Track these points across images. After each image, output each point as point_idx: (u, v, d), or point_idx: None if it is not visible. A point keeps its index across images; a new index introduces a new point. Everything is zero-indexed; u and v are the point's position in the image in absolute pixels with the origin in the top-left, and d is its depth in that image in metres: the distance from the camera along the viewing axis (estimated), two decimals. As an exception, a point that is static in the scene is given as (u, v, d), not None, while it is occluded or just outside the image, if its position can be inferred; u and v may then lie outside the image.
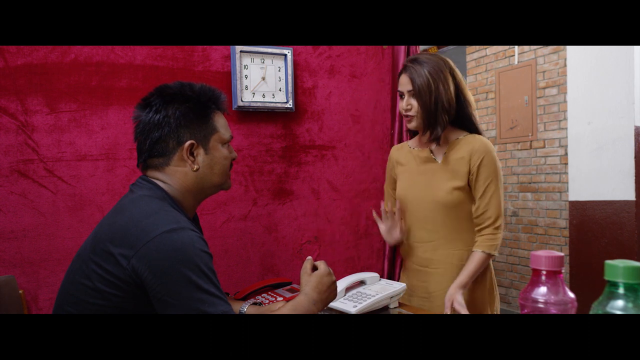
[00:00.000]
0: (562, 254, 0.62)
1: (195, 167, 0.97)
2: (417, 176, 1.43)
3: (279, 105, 1.70)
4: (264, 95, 1.69)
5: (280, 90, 1.72)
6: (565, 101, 3.43)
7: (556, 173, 3.54)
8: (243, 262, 1.70)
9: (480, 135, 1.39)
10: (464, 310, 1.27)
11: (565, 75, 3.18)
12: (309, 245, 1.83)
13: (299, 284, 1.07)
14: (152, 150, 0.96)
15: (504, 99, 3.89)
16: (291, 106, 1.72)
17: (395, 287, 1.31)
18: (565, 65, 3.41)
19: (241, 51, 1.63)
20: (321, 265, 1.03)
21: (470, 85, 4.20)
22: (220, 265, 1.65)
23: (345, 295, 1.28)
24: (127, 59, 1.52)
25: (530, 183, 3.74)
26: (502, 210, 1.36)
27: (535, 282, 0.63)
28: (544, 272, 0.62)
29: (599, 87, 1.91)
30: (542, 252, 0.63)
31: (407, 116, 1.38)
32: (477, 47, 4.13)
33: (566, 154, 3.36)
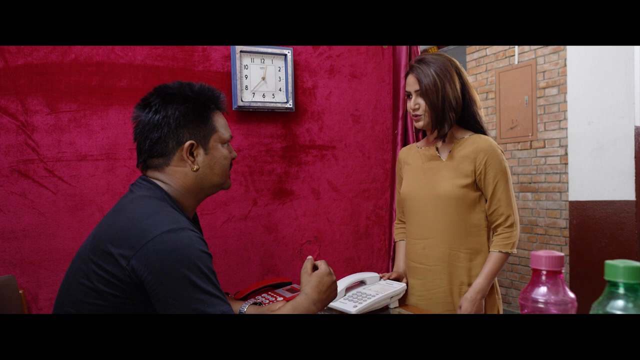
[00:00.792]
0: (562, 254, 0.62)
1: (195, 167, 0.97)
2: (421, 173, 1.45)
3: (279, 105, 1.70)
4: (264, 95, 1.69)
5: (280, 90, 1.72)
6: (565, 101, 3.43)
7: (556, 173, 3.54)
8: (243, 262, 1.70)
9: (485, 135, 1.40)
10: None
11: (566, 75, 3.18)
12: (309, 245, 1.83)
13: (299, 283, 1.07)
14: (151, 150, 0.96)
15: (504, 99, 3.89)
16: (291, 106, 1.72)
17: (395, 287, 1.31)
18: (565, 65, 3.41)
19: (241, 51, 1.63)
20: (321, 265, 1.03)
21: (471, 85, 4.20)
22: (220, 265, 1.65)
23: (345, 295, 1.28)
24: (128, 59, 1.52)
25: (530, 183, 3.74)
26: (514, 207, 1.37)
27: (535, 282, 0.63)
28: (544, 272, 0.62)
29: (599, 87, 1.91)
30: (542, 252, 0.63)
31: (415, 116, 1.40)
32: (477, 47, 4.13)
33: (566, 154, 3.36)
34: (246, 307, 1.20)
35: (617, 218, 1.86)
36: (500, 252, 1.35)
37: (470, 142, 1.38)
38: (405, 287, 1.33)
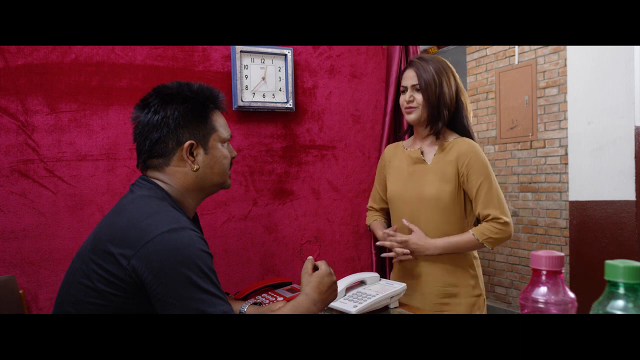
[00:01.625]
0: (562, 254, 0.62)
1: (195, 167, 0.97)
2: (406, 176, 1.46)
3: (279, 105, 1.70)
4: (264, 95, 1.69)
5: (280, 90, 1.72)
6: (565, 101, 3.43)
7: (556, 173, 3.54)
8: (243, 262, 1.70)
9: (468, 138, 1.41)
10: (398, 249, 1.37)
11: (566, 75, 3.18)
12: (309, 245, 1.83)
13: (299, 283, 1.07)
14: (151, 150, 0.96)
15: (504, 99, 3.89)
16: (291, 106, 1.72)
17: (395, 287, 1.31)
18: (565, 65, 3.41)
19: (241, 51, 1.63)
20: (322, 265, 1.03)
21: (471, 85, 4.20)
22: (221, 265, 1.65)
23: (345, 295, 1.28)
24: (128, 59, 1.52)
25: (530, 183, 3.74)
26: (503, 207, 1.35)
27: (535, 282, 0.63)
28: (544, 272, 0.62)
29: (599, 87, 1.91)
30: (542, 252, 0.63)
31: (408, 108, 1.40)
32: (477, 47, 4.13)
33: (566, 154, 3.36)
34: (246, 307, 1.20)
35: (617, 218, 1.86)
36: (473, 235, 1.34)
37: (453, 145, 1.39)
38: (405, 287, 1.34)
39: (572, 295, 0.62)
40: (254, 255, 1.72)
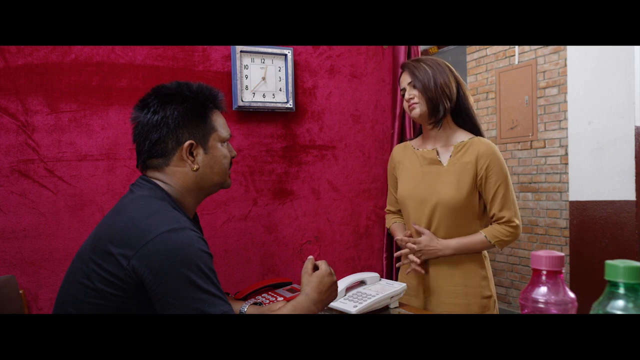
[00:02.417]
0: (562, 254, 0.62)
1: (195, 166, 0.97)
2: (420, 177, 1.44)
3: (279, 105, 1.70)
4: (264, 95, 1.69)
5: (280, 90, 1.72)
6: (565, 101, 3.43)
7: (556, 173, 3.54)
8: (243, 262, 1.70)
9: (484, 139, 1.41)
10: (412, 258, 1.38)
11: (566, 75, 3.18)
12: (309, 245, 1.83)
13: (299, 283, 1.07)
14: (151, 151, 0.96)
15: (505, 99, 3.89)
16: (291, 106, 1.72)
17: (395, 287, 1.31)
18: (565, 65, 3.41)
19: (241, 51, 1.63)
20: (322, 265, 1.03)
21: (471, 85, 4.20)
22: (221, 265, 1.65)
23: (345, 295, 1.28)
24: (128, 59, 1.52)
25: (530, 183, 3.74)
26: (516, 210, 1.37)
27: (535, 282, 0.63)
28: (545, 272, 0.62)
29: (600, 87, 1.91)
30: (542, 252, 0.63)
31: (411, 105, 1.40)
32: (478, 47, 4.13)
33: (566, 154, 3.36)
34: (246, 307, 1.20)
35: (617, 218, 1.86)
36: (485, 237, 1.35)
37: (470, 146, 1.38)
38: (405, 287, 1.33)
39: (572, 295, 0.62)
40: (254, 255, 1.72)
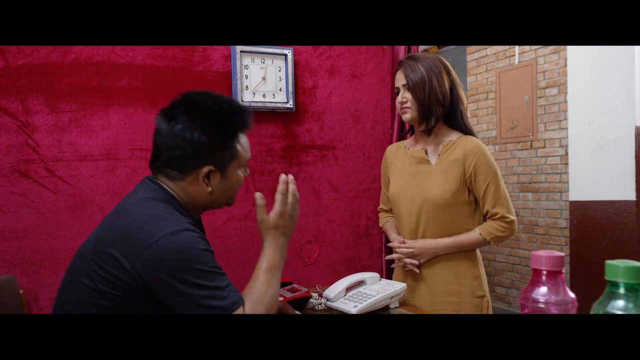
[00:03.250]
0: (562, 254, 0.62)
1: (210, 189, 0.96)
2: (409, 176, 1.45)
3: (280, 105, 1.70)
4: (264, 95, 1.69)
5: (280, 90, 1.72)
6: (565, 101, 3.43)
7: (557, 173, 3.54)
8: (243, 262, 1.70)
9: (472, 137, 1.40)
10: (408, 261, 1.39)
11: (566, 75, 3.18)
12: (309, 245, 1.83)
13: (299, 283, 1.07)
14: (168, 162, 0.94)
15: (505, 99, 3.89)
16: (291, 106, 1.72)
17: (395, 287, 1.31)
18: (565, 65, 3.41)
19: (241, 51, 1.63)
20: (272, 213, 1.02)
21: (471, 85, 4.20)
22: (221, 265, 1.64)
23: (345, 295, 1.28)
24: (128, 59, 1.52)
25: (530, 183, 3.74)
26: (509, 206, 1.37)
27: (535, 282, 0.63)
28: (545, 272, 0.62)
29: (600, 87, 1.91)
30: (542, 252, 0.63)
31: (402, 108, 1.40)
32: (478, 47, 4.13)
33: (567, 154, 3.36)
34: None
35: (617, 218, 1.86)
36: (480, 234, 1.36)
37: (458, 145, 1.38)
38: (406, 287, 1.33)
39: (572, 295, 0.62)
40: (254, 255, 1.72)
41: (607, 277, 0.56)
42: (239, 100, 1.63)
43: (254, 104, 1.66)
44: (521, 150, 3.80)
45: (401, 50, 1.89)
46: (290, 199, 1.03)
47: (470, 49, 4.22)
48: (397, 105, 1.43)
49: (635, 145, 1.81)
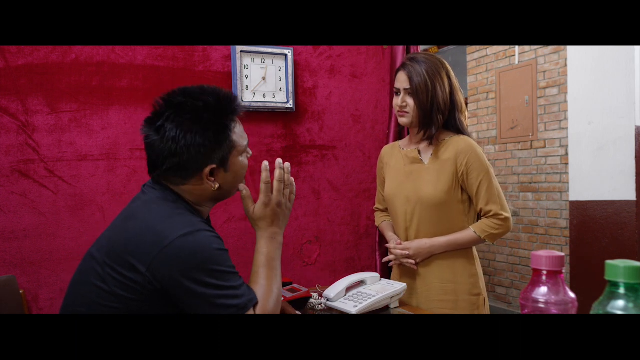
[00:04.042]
0: (562, 254, 0.62)
1: (216, 185, 0.95)
2: (403, 176, 1.45)
3: (280, 105, 1.70)
4: (264, 95, 1.69)
5: (280, 90, 1.72)
6: (565, 101, 3.43)
7: (557, 173, 3.54)
8: (243, 262, 1.70)
9: (464, 136, 1.40)
10: (405, 261, 1.40)
11: (566, 75, 3.18)
12: (310, 245, 1.83)
13: (299, 284, 1.07)
14: (168, 171, 0.92)
15: (505, 99, 3.89)
16: (292, 106, 1.72)
17: (395, 287, 1.31)
18: (565, 65, 3.40)
19: (242, 51, 1.63)
20: (258, 203, 1.01)
21: (471, 85, 4.20)
22: (221, 265, 1.65)
23: (345, 295, 1.28)
24: (128, 59, 1.52)
25: (530, 183, 3.73)
26: (503, 203, 1.36)
27: (536, 282, 0.63)
28: (545, 272, 0.62)
29: (600, 87, 1.91)
30: (542, 252, 0.63)
31: (401, 112, 1.39)
32: (478, 47, 4.13)
33: (567, 154, 3.36)
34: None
35: (617, 218, 1.86)
36: (475, 232, 1.36)
37: (450, 144, 1.38)
38: (406, 286, 1.33)
39: (572, 295, 0.62)
40: (254, 255, 1.72)
41: (607, 277, 0.56)
42: (240, 100, 1.62)
43: (254, 104, 1.66)
44: (521, 150, 3.80)
45: (400, 50, 1.88)
46: (276, 185, 1.02)
47: (470, 49, 4.22)
48: (395, 107, 1.42)
49: (636, 145, 1.81)
